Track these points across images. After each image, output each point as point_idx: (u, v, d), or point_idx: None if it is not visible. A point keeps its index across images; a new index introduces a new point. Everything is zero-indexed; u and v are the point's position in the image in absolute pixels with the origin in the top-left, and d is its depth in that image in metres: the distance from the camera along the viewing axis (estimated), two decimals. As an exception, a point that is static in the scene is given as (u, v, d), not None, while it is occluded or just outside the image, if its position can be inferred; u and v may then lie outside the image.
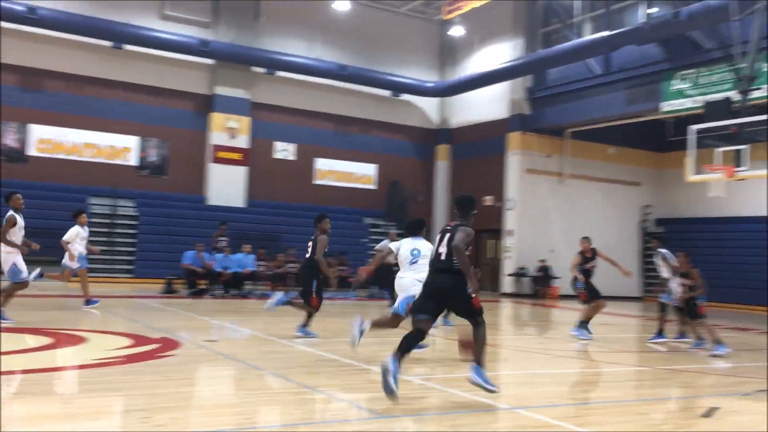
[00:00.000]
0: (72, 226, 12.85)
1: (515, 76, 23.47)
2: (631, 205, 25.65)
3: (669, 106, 19.05)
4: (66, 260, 12.84)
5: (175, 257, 19.02)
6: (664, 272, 10.97)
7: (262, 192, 24.05)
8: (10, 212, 10.19)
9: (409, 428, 5.49)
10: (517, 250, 23.47)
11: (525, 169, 23.67)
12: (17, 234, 10.20)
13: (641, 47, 19.62)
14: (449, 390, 6.75)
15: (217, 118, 23.12)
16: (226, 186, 23.17)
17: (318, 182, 25.37)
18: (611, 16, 21.39)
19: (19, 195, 10.35)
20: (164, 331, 10.01)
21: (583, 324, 11.22)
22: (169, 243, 20.87)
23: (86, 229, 12.97)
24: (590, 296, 11.29)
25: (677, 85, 18.77)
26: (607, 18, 21.20)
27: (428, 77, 26.97)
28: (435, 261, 6.28)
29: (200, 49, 22.28)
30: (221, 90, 23.26)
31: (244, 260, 17.91)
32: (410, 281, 8.19)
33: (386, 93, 26.14)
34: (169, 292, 17.54)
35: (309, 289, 9.96)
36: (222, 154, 23.12)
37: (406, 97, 26.62)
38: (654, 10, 20.67)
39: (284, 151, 24.81)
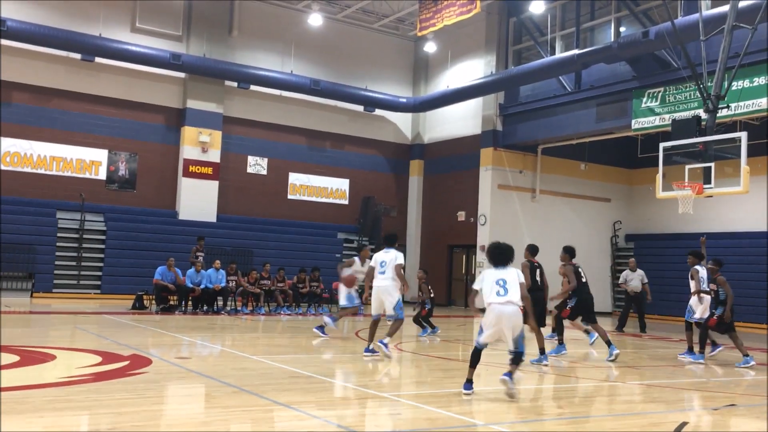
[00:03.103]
0: None
1: (487, 93, 23.68)
2: (602, 220, 25.92)
3: (638, 123, 19.36)
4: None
5: (143, 272, 18.78)
6: (693, 288, 11.53)
7: (233, 206, 23.88)
8: (354, 258, 13.81)
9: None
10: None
11: (497, 184, 23.83)
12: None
13: (611, 65, 19.93)
14: (421, 406, 6.72)
15: (188, 132, 22.95)
16: (197, 200, 22.95)
17: (291, 197, 25.27)
18: (582, 34, 21.73)
19: (368, 249, 14.09)
20: (134, 348, 9.85)
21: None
22: (137, 258, 20.62)
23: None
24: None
25: (646, 102, 19.08)
26: (577, 36, 21.54)
27: (402, 93, 27.10)
28: None
29: (172, 62, 22.12)
30: (193, 104, 23.11)
31: (215, 276, 17.72)
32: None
33: (359, 108, 26.19)
34: (139, 307, 17.29)
35: None
36: (193, 168, 22.92)
37: (379, 112, 26.69)
38: (623, 29, 21.06)
39: (256, 165, 24.69)
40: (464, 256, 25.71)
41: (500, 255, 7.63)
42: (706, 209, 21.31)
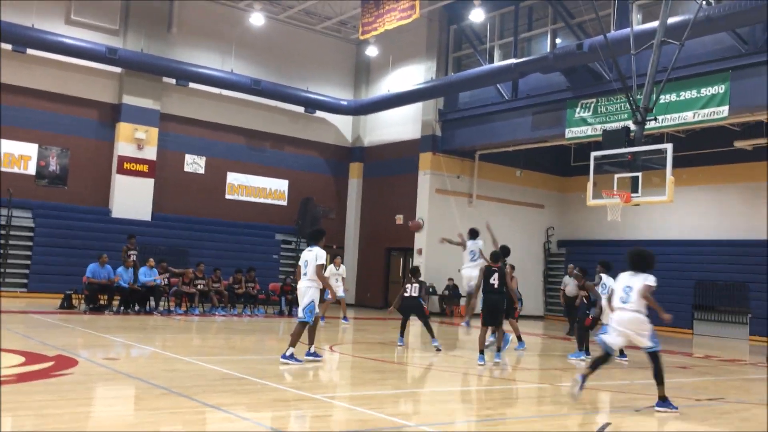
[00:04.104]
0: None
1: (427, 98, 23.94)
2: (536, 226, 26.52)
3: (572, 132, 19.90)
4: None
5: (74, 271, 18.26)
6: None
7: (169, 205, 23.42)
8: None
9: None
10: (426, 269, 23.75)
11: (435, 188, 24.11)
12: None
13: (547, 75, 20.43)
14: (354, 408, 6.78)
15: (124, 129, 22.41)
16: (132, 198, 22.42)
17: (229, 197, 24.97)
18: (520, 44, 22.21)
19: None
20: (60, 348, 9.58)
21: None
22: (67, 256, 20.03)
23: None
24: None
25: (580, 113, 19.64)
26: (515, 46, 22.00)
27: (343, 95, 27.12)
28: None
29: (108, 56, 21.56)
30: (129, 99, 22.58)
31: (148, 273, 17.38)
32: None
33: (300, 109, 26.08)
34: (68, 307, 16.79)
35: None
36: (128, 166, 22.40)
37: (320, 114, 26.64)
38: (559, 40, 21.62)
39: (194, 164, 24.31)
40: (401, 259, 25.90)
41: (633, 260, 7.76)
42: (635, 217, 22.08)
